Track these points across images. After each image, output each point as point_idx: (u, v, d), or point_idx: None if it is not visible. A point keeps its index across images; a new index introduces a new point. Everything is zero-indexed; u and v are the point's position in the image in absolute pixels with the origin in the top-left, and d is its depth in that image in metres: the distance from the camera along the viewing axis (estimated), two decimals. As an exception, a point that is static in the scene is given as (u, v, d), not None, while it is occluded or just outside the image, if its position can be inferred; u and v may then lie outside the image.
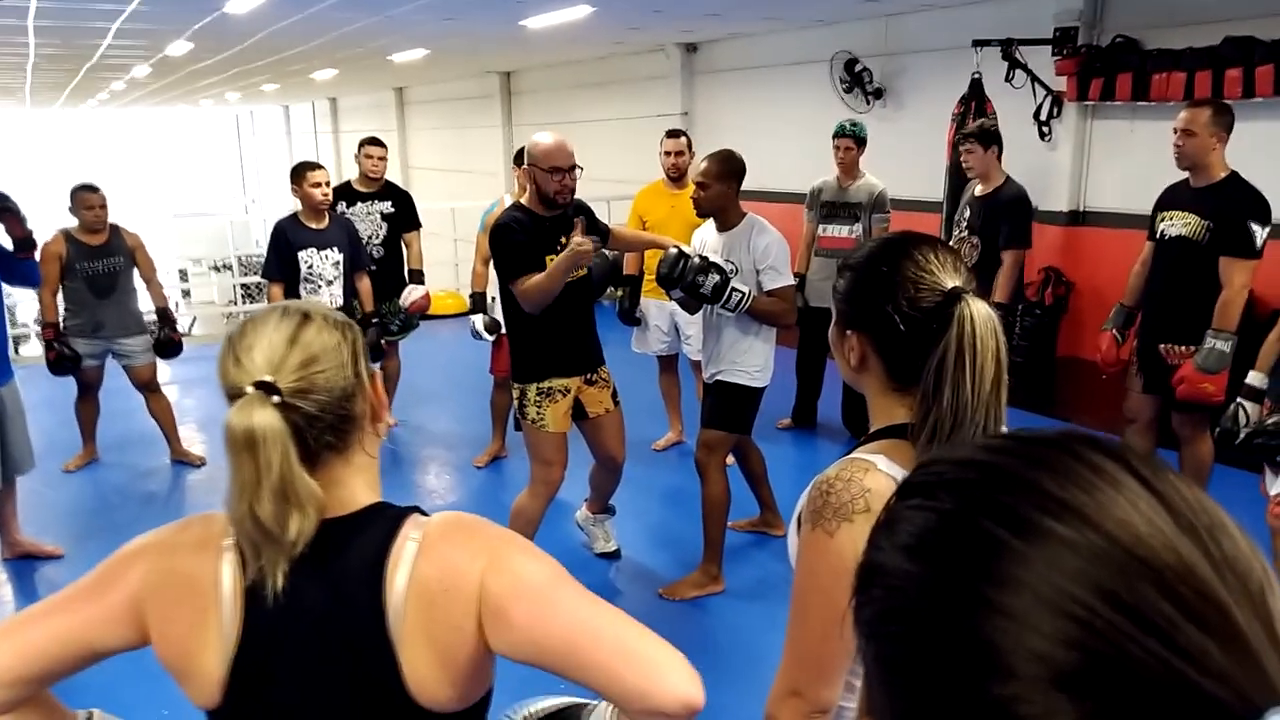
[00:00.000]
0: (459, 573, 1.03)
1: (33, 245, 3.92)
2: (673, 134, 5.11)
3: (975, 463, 0.49)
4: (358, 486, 1.08)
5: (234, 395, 1.00)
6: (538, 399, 3.32)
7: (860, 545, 1.07)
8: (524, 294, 3.19)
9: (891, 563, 0.48)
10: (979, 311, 1.10)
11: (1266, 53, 4.84)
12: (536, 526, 3.48)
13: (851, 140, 4.97)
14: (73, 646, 1.06)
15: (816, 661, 1.14)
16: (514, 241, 3.21)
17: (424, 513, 1.10)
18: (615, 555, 3.94)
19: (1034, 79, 6.03)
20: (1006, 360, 1.11)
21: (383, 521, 1.07)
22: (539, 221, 3.26)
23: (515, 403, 3.41)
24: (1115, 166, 5.99)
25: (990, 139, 4.40)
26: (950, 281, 1.14)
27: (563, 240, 3.21)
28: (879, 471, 1.12)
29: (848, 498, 1.10)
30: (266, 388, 0.98)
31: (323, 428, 1.02)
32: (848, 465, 1.13)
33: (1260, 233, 3.41)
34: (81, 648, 1.06)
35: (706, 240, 3.59)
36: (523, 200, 3.37)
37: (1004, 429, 1.12)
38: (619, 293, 4.98)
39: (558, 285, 3.17)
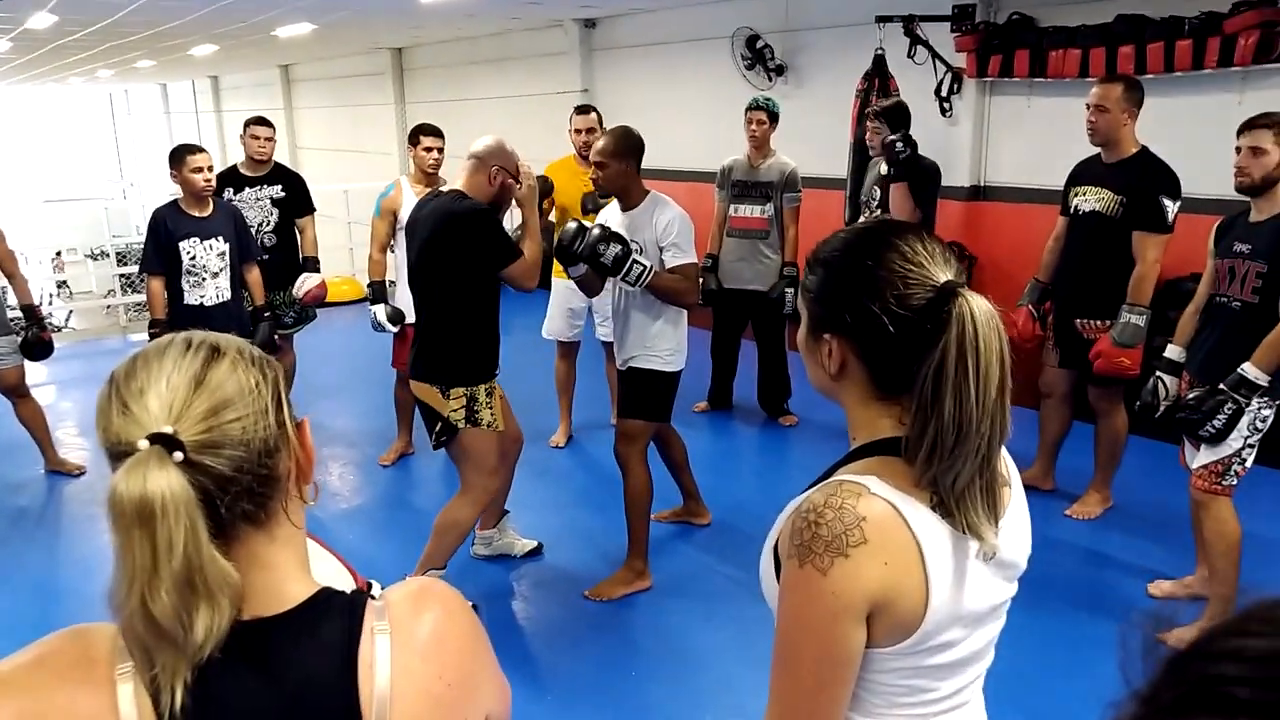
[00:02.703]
0: (461, 663, 0.87)
1: None
2: (582, 110, 4.91)
3: None
4: (287, 569, 0.86)
5: (120, 453, 0.77)
6: (488, 400, 3.17)
7: (860, 582, 0.94)
8: (531, 268, 3.13)
9: None
10: (979, 308, 0.98)
11: (1157, 30, 4.93)
12: (465, 537, 3.33)
13: (764, 114, 4.88)
14: None
15: (810, 715, 1.02)
16: (499, 223, 3.16)
17: (371, 595, 0.90)
18: (539, 551, 3.78)
19: (935, 55, 6.06)
20: (1010, 360, 1.00)
21: (334, 615, 0.85)
22: None
23: (460, 410, 3.12)
24: (1013, 142, 6.08)
25: (899, 121, 4.37)
26: (942, 275, 1.02)
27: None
28: (873, 496, 0.99)
29: (840, 529, 0.96)
30: (165, 441, 0.76)
31: (238, 492, 0.80)
32: (836, 490, 0.99)
33: (1172, 207, 3.45)
34: None
35: (610, 221, 3.46)
36: (461, 188, 3.15)
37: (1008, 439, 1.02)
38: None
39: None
